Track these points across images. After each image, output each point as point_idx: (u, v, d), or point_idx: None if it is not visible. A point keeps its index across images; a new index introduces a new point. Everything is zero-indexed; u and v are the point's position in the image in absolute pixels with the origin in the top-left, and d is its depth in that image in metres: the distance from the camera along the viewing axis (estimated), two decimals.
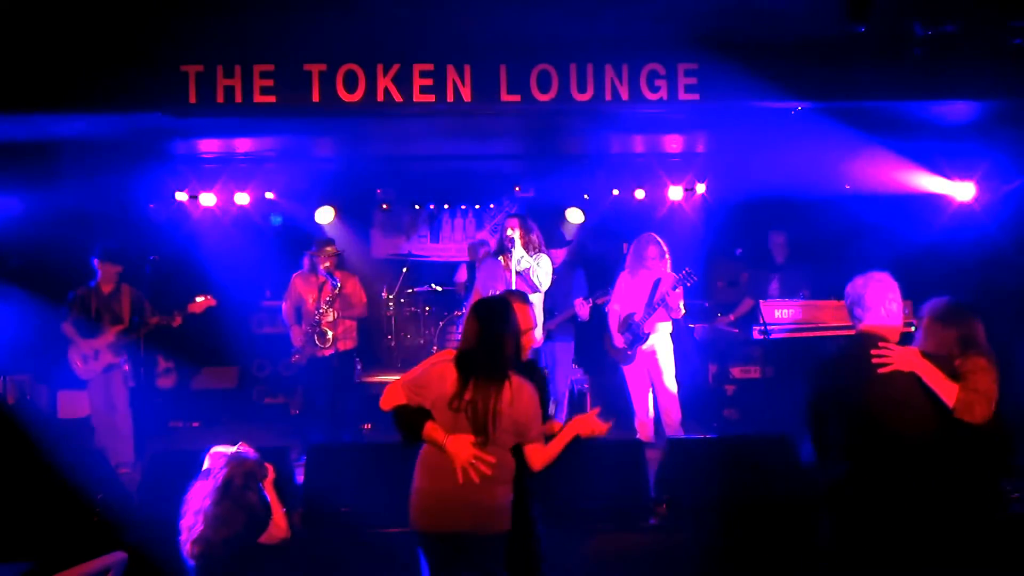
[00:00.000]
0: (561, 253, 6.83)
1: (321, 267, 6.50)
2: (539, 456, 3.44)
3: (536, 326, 3.58)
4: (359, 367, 8.68)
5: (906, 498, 3.23)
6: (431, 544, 3.47)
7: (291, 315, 6.59)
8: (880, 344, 3.29)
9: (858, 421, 3.36)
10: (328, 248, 6.54)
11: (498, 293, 5.75)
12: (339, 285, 6.45)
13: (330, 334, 6.44)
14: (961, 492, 3.23)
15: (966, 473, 3.25)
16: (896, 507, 3.24)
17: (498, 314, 3.45)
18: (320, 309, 6.43)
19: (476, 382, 3.35)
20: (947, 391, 3.18)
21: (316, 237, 6.78)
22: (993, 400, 3.18)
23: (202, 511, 3.81)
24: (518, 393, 3.35)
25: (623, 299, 6.51)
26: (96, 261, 6.44)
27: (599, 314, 6.77)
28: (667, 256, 6.41)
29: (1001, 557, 3.34)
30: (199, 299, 6.52)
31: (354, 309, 6.60)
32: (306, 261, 6.71)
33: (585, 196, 9.13)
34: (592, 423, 3.51)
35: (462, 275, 7.82)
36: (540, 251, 6.01)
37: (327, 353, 6.49)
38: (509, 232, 5.88)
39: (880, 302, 3.38)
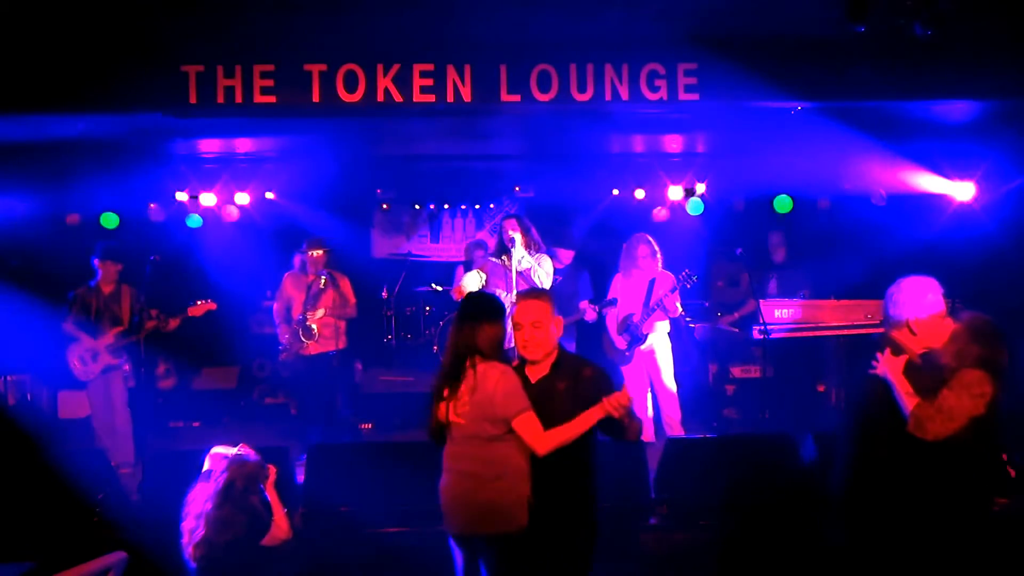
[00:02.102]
0: (570, 254, 6.80)
1: (310, 266, 6.51)
2: (536, 435, 3.22)
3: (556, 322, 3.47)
4: (359, 367, 8.69)
5: (891, 499, 3.27)
6: (456, 544, 3.48)
7: (281, 314, 6.61)
8: (887, 348, 3.35)
9: (853, 418, 3.46)
10: (318, 247, 6.55)
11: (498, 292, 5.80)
12: (331, 279, 6.46)
13: (315, 328, 6.44)
14: (944, 500, 3.23)
15: (950, 482, 3.23)
16: (883, 507, 3.29)
17: (464, 307, 3.46)
18: (307, 306, 6.44)
19: (441, 372, 3.41)
20: (906, 404, 3.22)
21: (307, 237, 6.78)
22: (956, 419, 3.13)
23: (204, 514, 3.81)
24: (481, 379, 3.27)
25: (619, 300, 6.52)
26: (96, 260, 6.44)
27: (599, 315, 6.77)
28: (658, 255, 6.42)
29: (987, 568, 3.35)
30: (199, 303, 6.53)
31: (345, 309, 6.60)
32: (296, 260, 6.72)
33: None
34: (616, 397, 3.20)
35: (460, 276, 7.82)
36: (540, 251, 6.02)
37: (315, 351, 6.49)
38: (511, 233, 5.90)
39: (911, 315, 3.38)
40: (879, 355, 3.34)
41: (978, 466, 3.25)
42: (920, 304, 3.36)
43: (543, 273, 5.93)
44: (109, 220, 8.10)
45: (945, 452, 3.19)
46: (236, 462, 3.84)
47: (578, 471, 3.34)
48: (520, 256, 5.85)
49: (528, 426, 3.23)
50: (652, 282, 6.39)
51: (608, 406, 3.17)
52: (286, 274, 6.73)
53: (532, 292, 3.59)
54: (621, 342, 6.49)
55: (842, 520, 3.42)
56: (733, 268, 8.35)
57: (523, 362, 3.47)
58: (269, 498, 4.01)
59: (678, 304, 6.38)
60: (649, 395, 6.53)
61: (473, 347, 3.33)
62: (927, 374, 3.31)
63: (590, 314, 6.57)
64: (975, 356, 3.24)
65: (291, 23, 5.10)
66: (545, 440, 3.23)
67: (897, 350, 3.34)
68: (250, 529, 3.83)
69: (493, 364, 3.32)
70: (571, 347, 6.79)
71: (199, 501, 3.82)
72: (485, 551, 3.35)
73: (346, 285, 6.66)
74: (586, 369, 3.44)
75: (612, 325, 6.56)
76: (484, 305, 3.47)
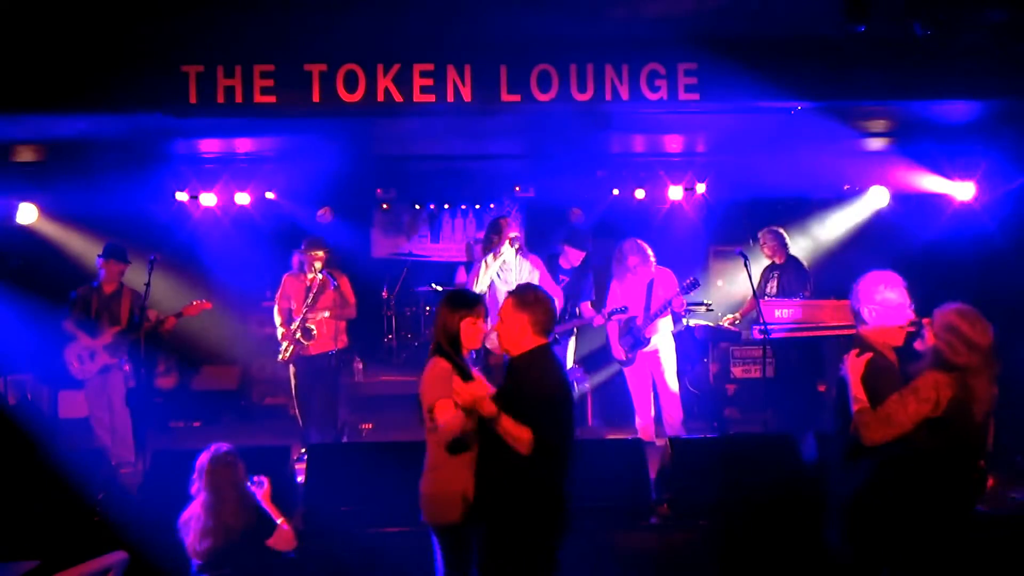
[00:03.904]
0: (580, 255, 6.80)
1: (308, 267, 6.47)
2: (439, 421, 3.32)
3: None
4: (359, 367, 8.70)
5: (868, 501, 3.27)
6: None
7: (283, 314, 6.58)
8: (854, 348, 3.39)
9: (835, 419, 3.46)
10: (317, 247, 6.52)
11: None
12: (336, 284, 6.45)
13: (315, 331, 6.43)
14: (915, 503, 3.22)
15: (916, 485, 3.21)
16: (861, 509, 3.30)
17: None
18: (307, 306, 6.42)
19: None
20: (852, 407, 3.24)
21: (307, 237, 6.75)
22: (894, 425, 3.11)
23: (202, 506, 3.93)
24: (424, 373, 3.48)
25: (620, 305, 6.51)
26: (100, 260, 6.45)
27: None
28: (651, 257, 6.38)
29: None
30: (194, 302, 6.53)
31: (346, 309, 6.57)
32: (295, 260, 6.67)
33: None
34: (464, 385, 3.16)
35: (461, 276, 7.83)
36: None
37: (315, 351, 6.48)
38: (515, 233, 5.97)
39: (863, 306, 3.42)
40: (845, 357, 3.36)
41: (942, 471, 3.21)
42: (871, 294, 3.40)
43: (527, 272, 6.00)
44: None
45: (908, 455, 3.17)
46: (210, 452, 4.06)
47: (510, 469, 3.22)
48: (513, 257, 5.91)
49: (438, 411, 3.33)
50: (651, 284, 6.38)
51: (460, 399, 3.13)
52: (286, 275, 6.69)
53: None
54: (619, 353, 6.50)
55: (834, 521, 3.43)
56: (733, 268, 8.35)
57: None
58: (268, 509, 4.13)
59: (683, 298, 6.36)
60: (651, 395, 6.52)
61: (435, 337, 3.52)
62: (893, 376, 3.29)
63: (598, 320, 6.54)
64: (943, 357, 3.18)
65: (291, 23, 5.10)
66: (441, 429, 3.31)
67: (863, 347, 3.35)
68: (250, 514, 3.97)
69: (434, 360, 3.48)
70: (565, 350, 6.72)
71: (194, 512, 3.96)
72: (436, 540, 3.50)
73: (346, 285, 6.64)
74: (509, 381, 3.34)
75: (613, 333, 6.55)
76: (445, 296, 3.65)
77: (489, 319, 3.89)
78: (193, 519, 3.98)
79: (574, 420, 3.42)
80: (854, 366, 3.30)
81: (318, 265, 6.40)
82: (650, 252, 6.39)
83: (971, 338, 3.15)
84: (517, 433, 3.15)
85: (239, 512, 3.98)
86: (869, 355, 3.31)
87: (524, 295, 3.40)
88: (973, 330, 3.16)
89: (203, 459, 4.06)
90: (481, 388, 3.18)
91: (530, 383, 3.26)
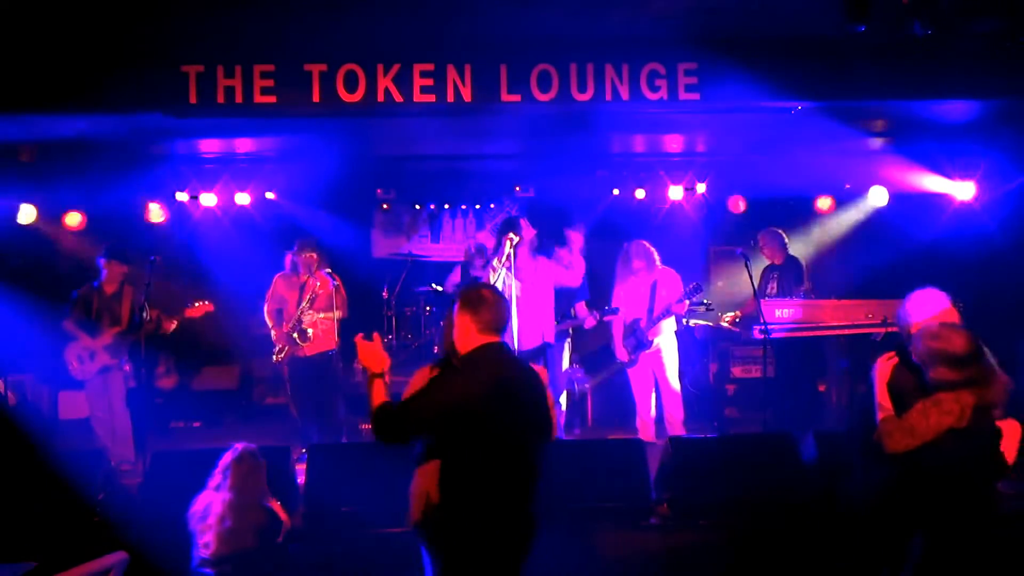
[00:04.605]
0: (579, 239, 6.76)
1: (303, 267, 6.45)
2: None
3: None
4: (360, 367, 8.68)
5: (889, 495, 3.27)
6: None
7: (273, 315, 6.56)
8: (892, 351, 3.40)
9: (855, 417, 3.49)
10: (311, 248, 6.50)
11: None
12: (337, 284, 6.44)
13: (311, 332, 6.43)
14: (940, 497, 3.21)
15: (942, 481, 3.21)
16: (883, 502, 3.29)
17: None
18: (302, 307, 6.41)
19: None
20: (876, 414, 3.25)
21: (299, 238, 6.73)
22: (916, 436, 3.12)
23: (224, 506, 3.95)
24: None
25: (623, 306, 6.51)
26: (102, 261, 6.45)
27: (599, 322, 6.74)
28: (656, 259, 6.38)
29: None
30: (197, 304, 6.52)
31: (341, 309, 6.56)
32: (287, 261, 6.65)
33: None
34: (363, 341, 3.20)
35: (456, 277, 7.81)
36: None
37: (310, 352, 6.47)
38: (514, 234, 5.94)
39: (914, 322, 3.44)
40: (879, 359, 3.37)
41: (967, 477, 3.21)
42: (923, 312, 3.42)
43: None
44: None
45: (932, 461, 3.16)
46: (237, 451, 4.11)
47: (442, 471, 3.08)
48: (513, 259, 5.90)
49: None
50: (654, 285, 6.38)
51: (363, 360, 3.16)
52: (277, 275, 6.66)
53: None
54: (623, 353, 6.50)
55: (847, 518, 3.43)
56: (733, 268, 8.35)
57: None
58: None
59: (686, 303, 6.37)
60: (652, 395, 6.52)
61: (444, 351, 3.40)
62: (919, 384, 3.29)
63: (590, 322, 6.53)
64: (943, 382, 3.15)
65: (291, 23, 5.10)
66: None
67: (903, 354, 3.35)
68: (265, 515, 4.01)
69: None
70: (562, 351, 6.70)
71: (212, 507, 3.97)
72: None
73: (341, 286, 6.64)
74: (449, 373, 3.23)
75: (618, 333, 6.54)
76: (449, 310, 3.46)
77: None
78: (212, 517, 3.99)
79: (513, 423, 3.12)
80: (881, 370, 3.31)
81: (315, 265, 6.40)
82: (655, 255, 6.40)
83: (954, 354, 3.12)
84: (373, 398, 3.12)
85: (258, 514, 4.01)
86: (897, 360, 3.30)
87: (467, 294, 3.27)
88: (952, 345, 3.12)
89: (229, 457, 4.07)
90: (376, 349, 3.15)
91: (463, 379, 3.10)
